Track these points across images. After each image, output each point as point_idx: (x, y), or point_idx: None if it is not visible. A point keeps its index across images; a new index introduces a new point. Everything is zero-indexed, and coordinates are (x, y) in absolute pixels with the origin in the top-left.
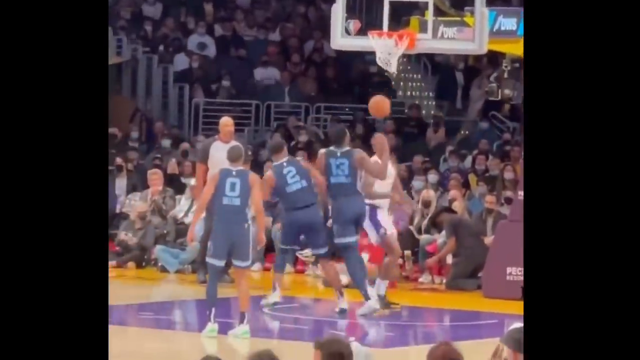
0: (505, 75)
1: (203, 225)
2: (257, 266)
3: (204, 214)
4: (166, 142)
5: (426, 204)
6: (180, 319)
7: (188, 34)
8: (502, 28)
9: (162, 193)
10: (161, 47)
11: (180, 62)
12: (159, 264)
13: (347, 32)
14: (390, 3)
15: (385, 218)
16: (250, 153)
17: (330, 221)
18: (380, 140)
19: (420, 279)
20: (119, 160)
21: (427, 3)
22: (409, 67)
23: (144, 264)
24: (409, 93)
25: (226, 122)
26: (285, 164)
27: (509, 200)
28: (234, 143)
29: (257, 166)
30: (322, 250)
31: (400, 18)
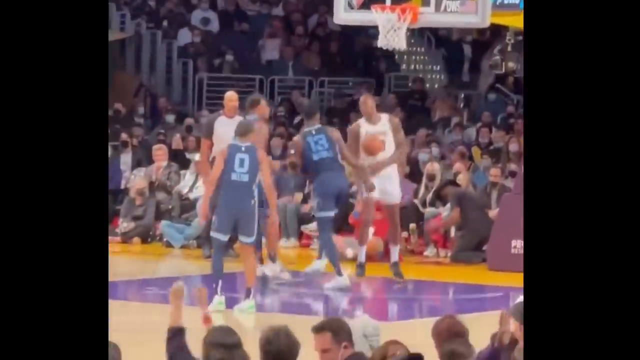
0: (509, 48)
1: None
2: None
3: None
4: (170, 118)
5: (430, 177)
6: (186, 294)
7: (191, 9)
8: (505, 1)
9: (166, 168)
10: (165, 23)
11: (184, 37)
12: (164, 239)
13: (351, 6)
14: None
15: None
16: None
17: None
18: (364, 100)
19: (425, 253)
20: (124, 135)
21: None
22: (412, 41)
23: (149, 239)
24: (412, 67)
25: (231, 96)
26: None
27: (513, 173)
28: (239, 118)
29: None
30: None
31: None
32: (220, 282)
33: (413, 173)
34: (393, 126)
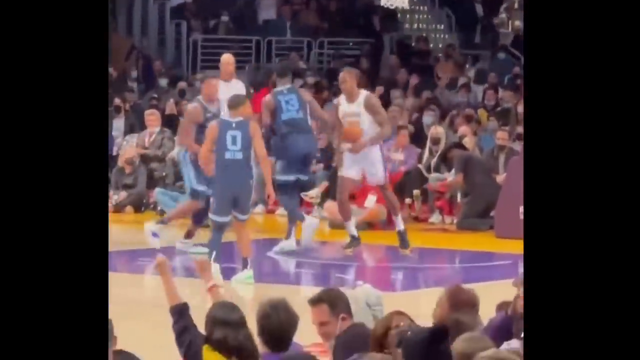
0: (516, 6)
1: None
2: (259, 208)
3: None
4: (163, 82)
5: (435, 141)
6: (182, 264)
7: None
8: None
9: (159, 134)
10: None
11: None
12: (158, 208)
13: None
14: None
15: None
16: (252, 92)
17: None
18: (344, 77)
19: (430, 220)
20: (117, 100)
21: None
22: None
23: (142, 208)
24: (416, 25)
25: (227, 59)
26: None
27: (521, 136)
28: (235, 82)
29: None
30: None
31: None
32: (214, 253)
33: (417, 137)
34: (368, 106)
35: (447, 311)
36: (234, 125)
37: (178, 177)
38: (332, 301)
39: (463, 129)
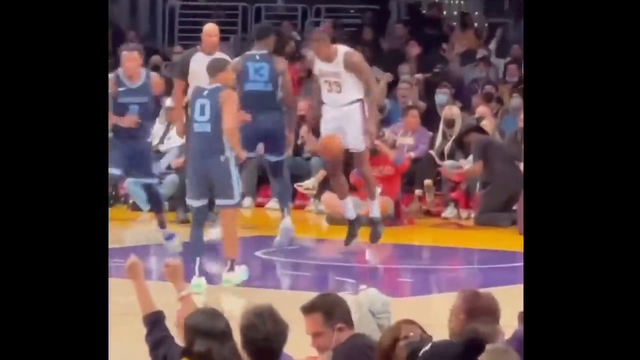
0: None
1: (178, 153)
2: (247, 202)
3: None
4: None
5: (449, 123)
6: (157, 266)
7: None
8: None
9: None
10: None
11: None
12: (130, 201)
13: None
14: None
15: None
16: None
17: None
18: (317, 44)
19: (444, 214)
20: None
21: None
22: None
23: (111, 201)
24: None
25: (210, 30)
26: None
27: None
28: (220, 55)
29: None
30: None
31: None
32: (198, 260)
33: (429, 119)
34: (349, 65)
35: (462, 320)
36: (205, 93)
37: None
38: (327, 309)
39: (481, 109)
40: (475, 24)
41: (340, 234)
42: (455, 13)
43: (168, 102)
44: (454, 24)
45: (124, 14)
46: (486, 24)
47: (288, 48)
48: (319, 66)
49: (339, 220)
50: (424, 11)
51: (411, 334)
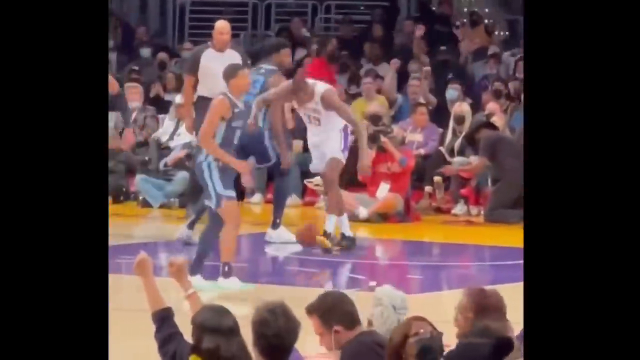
0: None
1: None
2: (257, 198)
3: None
4: (145, 52)
5: (459, 120)
6: (167, 263)
7: None
8: None
9: (141, 112)
10: None
11: None
12: (140, 198)
13: None
14: None
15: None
16: (249, 62)
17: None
18: (298, 83)
19: (454, 210)
20: None
21: None
22: None
23: (121, 197)
24: None
25: (222, 28)
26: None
27: None
28: (230, 52)
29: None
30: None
31: None
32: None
33: (439, 115)
34: (326, 105)
35: (471, 317)
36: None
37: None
38: (323, 312)
39: (491, 106)
40: (486, 21)
41: (352, 229)
42: (465, 10)
43: (178, 98)
44: (464, 20)
45: (134, 10)
46: (491, 20)
47: (330, 46)
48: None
49: (349, 217)
50: (433, 8)
51: (421, 330)
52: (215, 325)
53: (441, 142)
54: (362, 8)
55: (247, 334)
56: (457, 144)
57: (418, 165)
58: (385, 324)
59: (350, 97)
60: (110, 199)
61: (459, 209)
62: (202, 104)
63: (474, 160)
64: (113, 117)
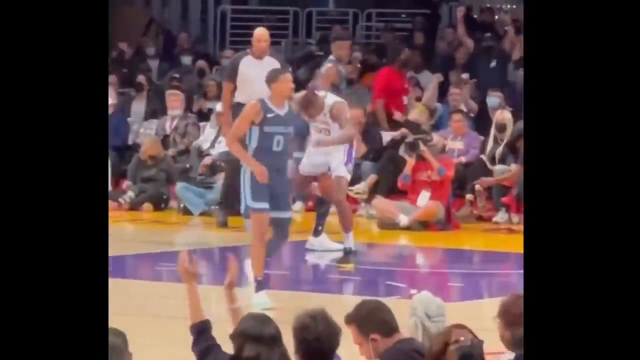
0: None
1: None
2: (298, 206)
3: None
4: (187, 59)
5: (500, 128)
6: (207, 270)
7: None
8: None
9: (182, 119)
10: None
11: None
12: (181, 205)
13: None
14: None
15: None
16: (290, 69)
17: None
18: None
19: (495, 218)
20: (141, 77)
21: None
22: None
23: (162, 205)
24: None
25: (260, 35)
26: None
27: None
28: (269, 59)
29: (297, 85)
30: None
31: None
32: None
33: (482, 123)
34: (334, 117)
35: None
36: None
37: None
38: (360, 321)
39: None
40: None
41: (391, 238)
42: (507, 17)
43: (219, 106)
44: (507, 28)
45: (175, 17)
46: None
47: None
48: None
49: (390, 224)
50: (475, 15)
51: (462, 338)
52: (257, 333)
53: (482, 150)
54: (403, 16)
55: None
56: (499, 151)
57: (459, 173)
58: (420, 335)
59: None
60: (151, 207)
61: (500, 217)
62: (240, 110)
63: (515, 168)
64: (154, 124)
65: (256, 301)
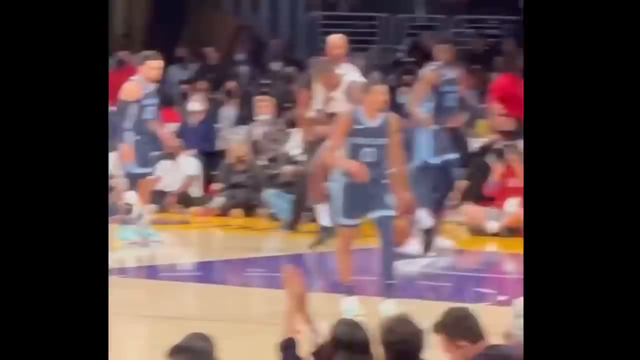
0: None
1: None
2: None
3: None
4: (276, 66)
5: None
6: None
7: None
8: None
9: (272, 125)
10: None
11: None
12: (270, 211)
13: None
14: None
15: None
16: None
17: None
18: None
19: None
20: (230, 84)
21: None
22: None
23: (251, 211)
24: None
25: (335, 42)
26: None
27: None
28: (346, 66)
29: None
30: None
31: None
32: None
33: None
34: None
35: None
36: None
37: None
38: (447, 329)
39: None
40: None
41: (480, 244)
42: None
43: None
44: None
45: (265, 24)
46: None
47: (518, 62)
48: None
49: (480, 230)
50: None
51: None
52: (348, 339)
53: None
54: (492, 22)
55: None
56: None
57: None
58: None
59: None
60: (240, 212)
61: None
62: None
63: None
64: (243, 130)
65: (346, 307)
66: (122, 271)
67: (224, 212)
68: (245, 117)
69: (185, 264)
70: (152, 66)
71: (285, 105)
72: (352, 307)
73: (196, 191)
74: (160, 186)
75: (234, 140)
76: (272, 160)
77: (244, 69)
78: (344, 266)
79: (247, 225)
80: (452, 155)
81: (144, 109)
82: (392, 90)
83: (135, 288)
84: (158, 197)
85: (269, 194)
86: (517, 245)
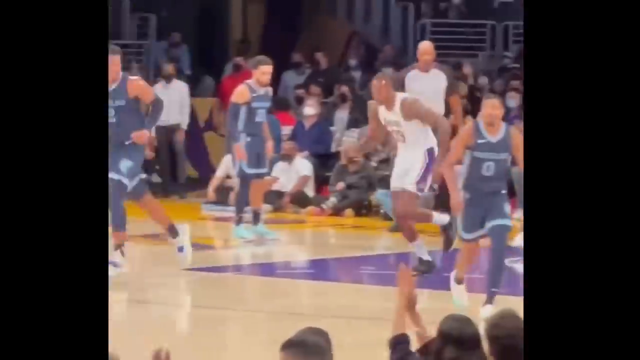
0: None
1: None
2: None
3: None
4: (388, 71)
5: None
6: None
7: None
8: None
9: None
10: None
11: None
12: (382, 211)
13: None
14: None
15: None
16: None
17: None
18: (379, 86)
19: None
20: (343, 88)
21: None
22: None
23: (363, 210)
24: None
25: (425, 49)
26: None
27: None
28: (436, 72)
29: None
30: None
31: None
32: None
33: None
34: (407, 114)
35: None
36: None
37: None
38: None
39: None
40: None
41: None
42: None
43: None
44: None
45: (377, 32)
46: None
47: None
48: (382, 114)
49: None
50: None
51: None
52: (458, 335)
53: None
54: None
55: None
56: None
57: None
58: None
59: None
60: (352, 212)
61: None
62: None
63: None
64: (356, 133)
65: (455, 298)
66: (237, 268)
67: (337, 212)
68: (358, 120)
69: (300, 262)
70: (263, 71)
71: None
72: (460, 296)
73: (309, 192)
74: (276, 187)
75: (347, 142)
76: (383, 161)
77: (356, 74)
78: (460, 266)
79: (359, 224)
80: None
81: (255, 112)
82: (500, 96)
83: (250, 284)
84: (274, 198)
85: (380, 194)
86: None
